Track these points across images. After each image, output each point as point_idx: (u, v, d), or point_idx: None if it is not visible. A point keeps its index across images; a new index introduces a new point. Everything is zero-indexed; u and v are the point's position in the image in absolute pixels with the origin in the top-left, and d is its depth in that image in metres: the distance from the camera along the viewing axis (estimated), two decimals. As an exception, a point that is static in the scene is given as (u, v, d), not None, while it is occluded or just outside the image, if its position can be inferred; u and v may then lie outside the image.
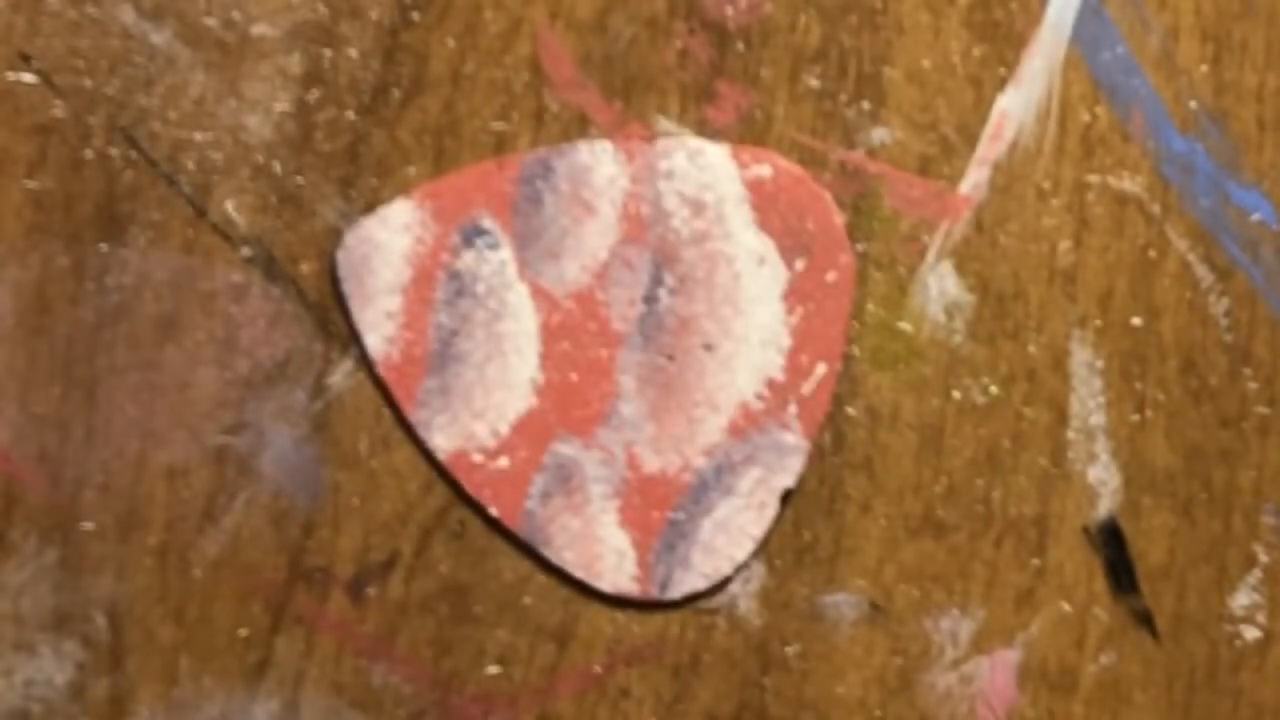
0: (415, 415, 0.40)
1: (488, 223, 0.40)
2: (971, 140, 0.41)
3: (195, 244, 0.40)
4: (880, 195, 0.41)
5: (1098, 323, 0.41)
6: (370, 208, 0.40)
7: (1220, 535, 0.41)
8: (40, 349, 0.40)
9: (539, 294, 0.40)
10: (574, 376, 0.40)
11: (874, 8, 0.41)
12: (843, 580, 0.41)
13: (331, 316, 0.40)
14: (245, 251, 0.40)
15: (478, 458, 0.40)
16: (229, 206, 0.40)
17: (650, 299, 0.40)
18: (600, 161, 0.40)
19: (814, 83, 0.41)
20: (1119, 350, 0.41)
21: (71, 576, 0.40)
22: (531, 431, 0.40)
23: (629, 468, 0.40)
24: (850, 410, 0.41)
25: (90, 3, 0.40)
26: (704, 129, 0.41)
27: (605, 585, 0.40)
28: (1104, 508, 0.41)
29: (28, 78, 0.40)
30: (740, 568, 0.41)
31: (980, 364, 0.41)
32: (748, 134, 0.41)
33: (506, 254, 0.40)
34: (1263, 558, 0.41)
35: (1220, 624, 0.41)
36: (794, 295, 0.40)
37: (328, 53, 0.40)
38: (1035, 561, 0.41)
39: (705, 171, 0.40)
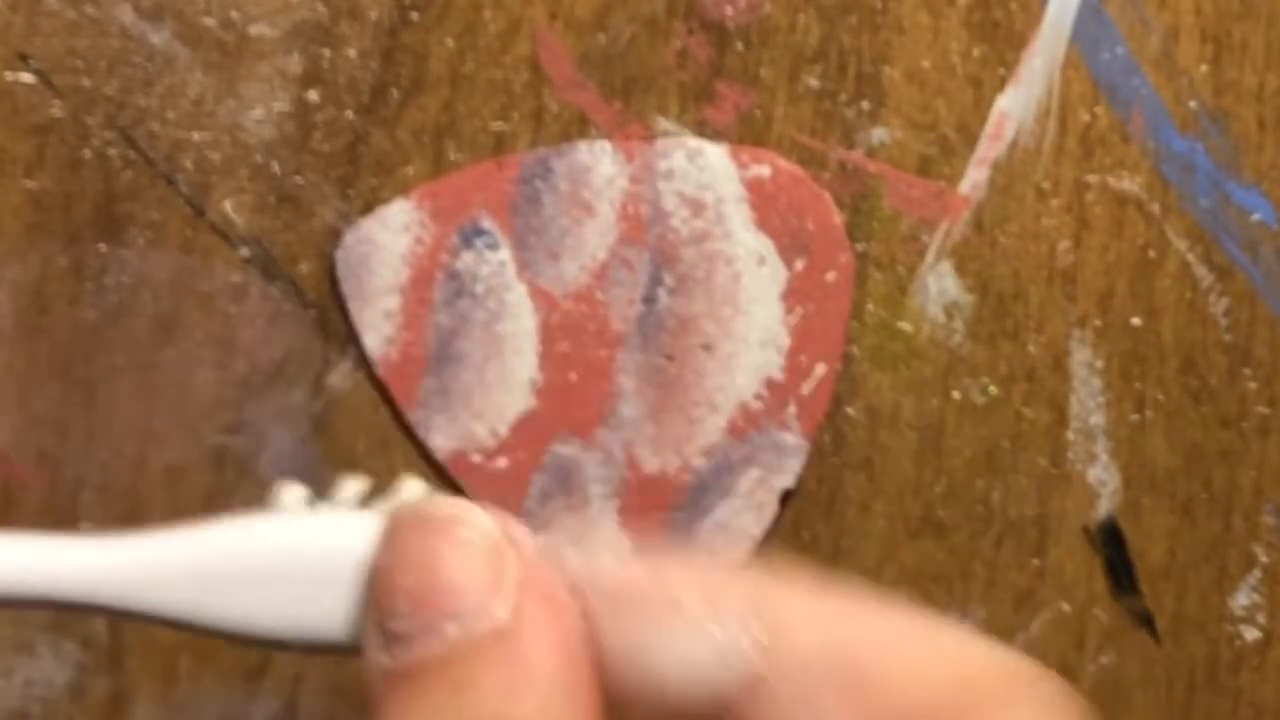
0: (414, 415, 0.40)
1: (487, 223, 0.40)
2: (971, 140, 0.41)
3: (194, 244, 0.40)
4: (880, 195, 0.41)
5: (1098, 323, 0.41)
6: (369, 208, 0.40)
7: (1220, 535, 0.41)
8: (40, 349, 0.40)
9: (538, 294, 0.40)
10: (573, 377, 0.40)
11: (874, 8, 0.41)
12: (842, 580, 0.41)
13: (330, 316, 0.40)
14: (244, 251, 0.40)
15: (477, 458, 0.40)
16: (228, 206, 0.40)
17: (649, 299, 0.40)
18: (599, 161, 0.40)
19: (814, 83, 0.41)
20: (1119, 350, 0.41)
21: (71, 577, 0.40)
22: (531, 432, 0.40)
23: (628, 468, 0.40)
24: (850, 410, 0.41)
25: (89, 2, 0.40)
26: (703, 129, 0.41)
27: (604, 585, 0.40)
28: (1104, 508, 0.41)
29: (26, 77, 0.40)
30: (740, 568, 0.40)
31: (980, 364, 0.41)
32: (747, 134, 0.41)
33: (505, 254, 0.40)
34: (1263, 558, 0.41)
35: (1220, 624, 0.41)
36: (793, 295, 0.40)
37: (327, 53, 0.40)
38: (1035, 561, 0.41)
39: (705, 171, 0.40)
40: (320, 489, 0.27)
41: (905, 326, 0.41)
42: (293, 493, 0.27)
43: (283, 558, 0.26)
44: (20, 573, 0.26)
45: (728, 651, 0.25)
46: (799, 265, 0.40)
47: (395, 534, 0.25)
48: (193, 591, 0.26)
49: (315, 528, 0.26)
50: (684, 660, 0.25)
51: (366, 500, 0.27)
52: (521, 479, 0.40)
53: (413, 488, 0.27)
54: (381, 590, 0.24)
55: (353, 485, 0.27)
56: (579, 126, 0.40)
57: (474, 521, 0.24)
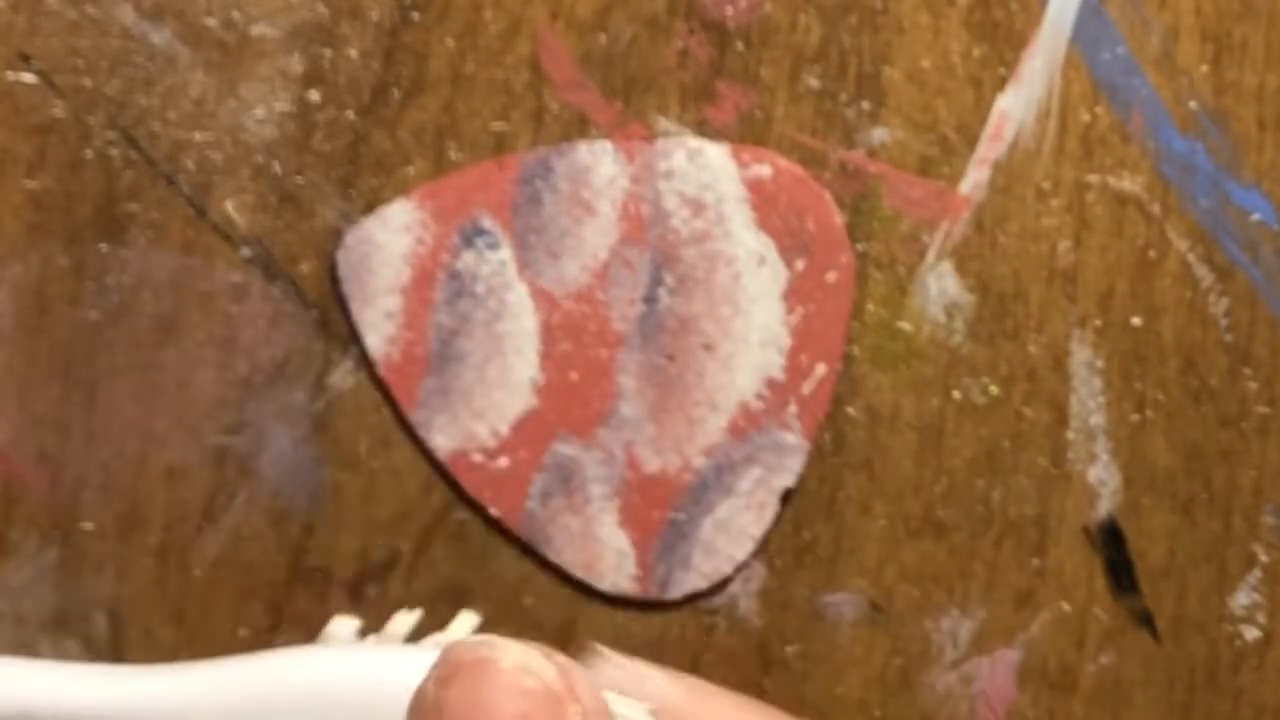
0: (415, 415, 0.40)
1: (488, 223, 0.40)
2: (971, 140, 0.41)
3: (195, 244, 0.40)
4: (880, 195, 0.41)
5: (1098, 323, 0.41)
6: (370, 208, 0.40)
7: (1220, 535, 0.41)
8: (40, 349, 0.40)
9: (539, 294, 0.40)
10: (574, 376, 0.40)
11: (874, 8, 0.41)
12: (843, 580, 0.41)
13: (331, 316, 0.40)
14: (245, 251, 0.40)
15: (478, 458, 0.40)
16: (229, 206, 0.40)
17: (650, 299, 0.40)
18: (600, 161, 0.40)
19: (814, 83, 0.41)
20: (1119, 350, 0.41)
21: (72, 576, 0.40)
22: (531, 431, 0.40)
23: (629, 468, 0.40)
24: (850, 410, 0.41)
25: (90, 2, 0.40)
26: (704, 129, 0.41)
27: (605, 585, 0.40)
28: (1104, 508, 0.41)
29: (27, 78, 0.40)
30: (740, 568, 0.41)
31: (980, 364, 0.41)
32: (748, 134, 0.41)
33: (506, 254, 0.40)
34: (1263, 558, 0.41)
35: (1220, 624, 0.41)
36: (794, 295, 0.40)
37: (328, 53, 0.40)
38: (1035, 561, 0.41)
39: (705, 171, 0.40)
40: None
41: (905, 326, 0.41)
42: (344, 626, 0.27)
43: (334, 693, 0.25)
44: (71, 705, 0.25)
45: None
46: (799, 265, 0.40)
47: (455, 674, 0.24)
48: None
49: (368, 663, 0.26)
50: None
51: (417, 636, 0.26)
52: (522, 478, 0.40)
53: (465, 624, 0.26)
54: None
55: (404, 620, 0.26)
56: (579, 126, 0.40)
57: (539, 670, 0.23)
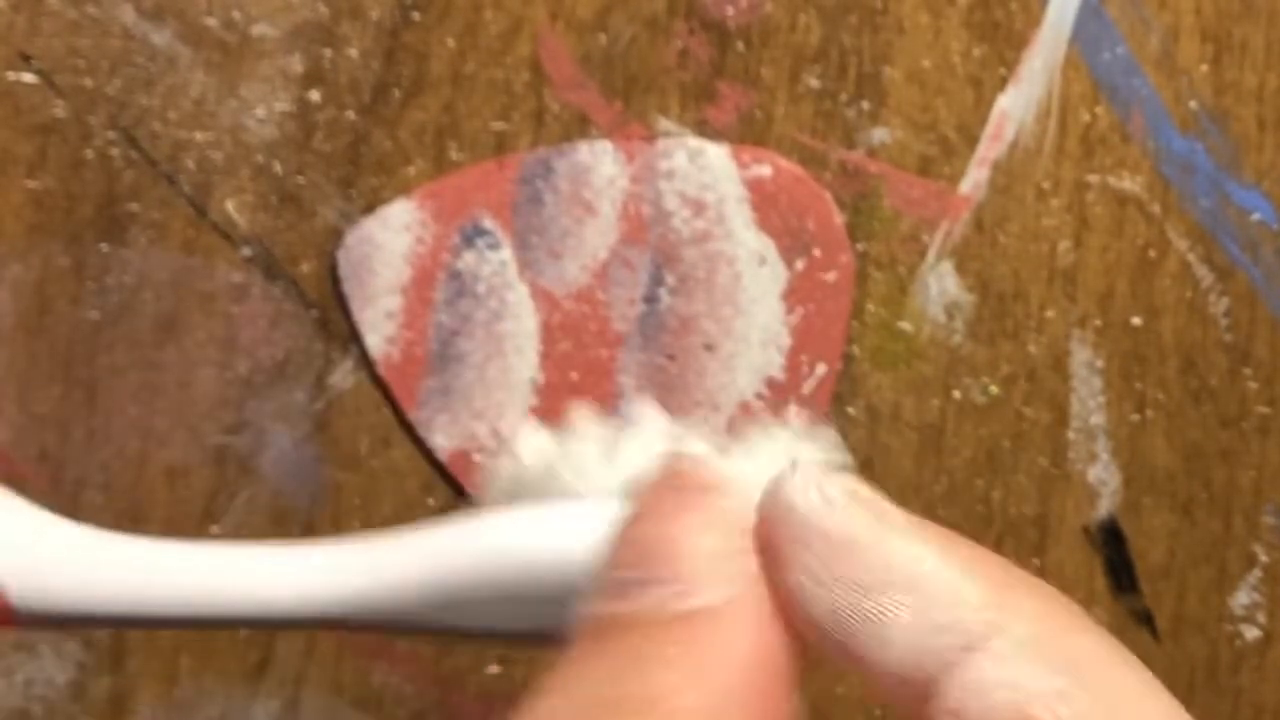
0: (415, 415, 0.40)
1: (488, 223, 0.40)
2: (971, 140, 0.41)
3: (195, 244, 0.40)
4: (880, 195, 0.41)
5: (1098, 323, 0.41)
6: (370, 207, 0.40)
7: (1220, 535, 0.41)
8: (40, 349, 0.40)
9: (539, 294, 0.40)
10: (574, 376, 0.40)
11: (874, 8, 0.41)
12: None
13: (332, 316, 0.40)
14: (245, 251, 0.40)
15: (478, 457, 0.40)
16: (229, 206, 0.40)
17: (650, 299, 0.40)
18: (600, 161, 0.40)
19: (814, 83, 0.41)
20: (1119, 350, 0.41)
21: (72, 576, 0.40)
22: (532, 431, 0.40)
23: (629, 467, 0.40)
24: (850, 410, 0.41)
25: (91, 3, 0.40)
26: (704, 129, 0.41)
27: (605, 585, 0.40)
28: (1104, 508, 0.41)
29: (28, 78, 0.40)
30: (740, 567, 0.40)
31: (980, 364, 0.41)
32: (748, 134, 0.41)
33: (507, 254, 0.40)
34: (1263, 558, 0.42)
35: (1220, 624, 0.41)
36: (794, 295, 0.40)
37: (328, 52, 0.40)
38: (1035, 561, 0.41)
39: (705, 171, 0.40)
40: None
41: (906, 326, 0.41)
42: (534, 442, 0.26)
43: (532, 556, 0.25)
44: (256, 590, 0.25)
45: (945, 645, 0.22)
46: (799, 265, 0.40)
47: (656, 486, 0.23)
48: (443, 598, 0.25)
49: (558, 522, 0.25)
50: (901, 644, 0.22)
51: (607, 445, 0.26)
52: (522, 478, 0.40)
53: (653, 431, 0.26)
54: (617, 537, 0.23)
55: (592, 430, 0.26)
56: (580, 126, 0.40)
57: (733, 498, 0.23)
